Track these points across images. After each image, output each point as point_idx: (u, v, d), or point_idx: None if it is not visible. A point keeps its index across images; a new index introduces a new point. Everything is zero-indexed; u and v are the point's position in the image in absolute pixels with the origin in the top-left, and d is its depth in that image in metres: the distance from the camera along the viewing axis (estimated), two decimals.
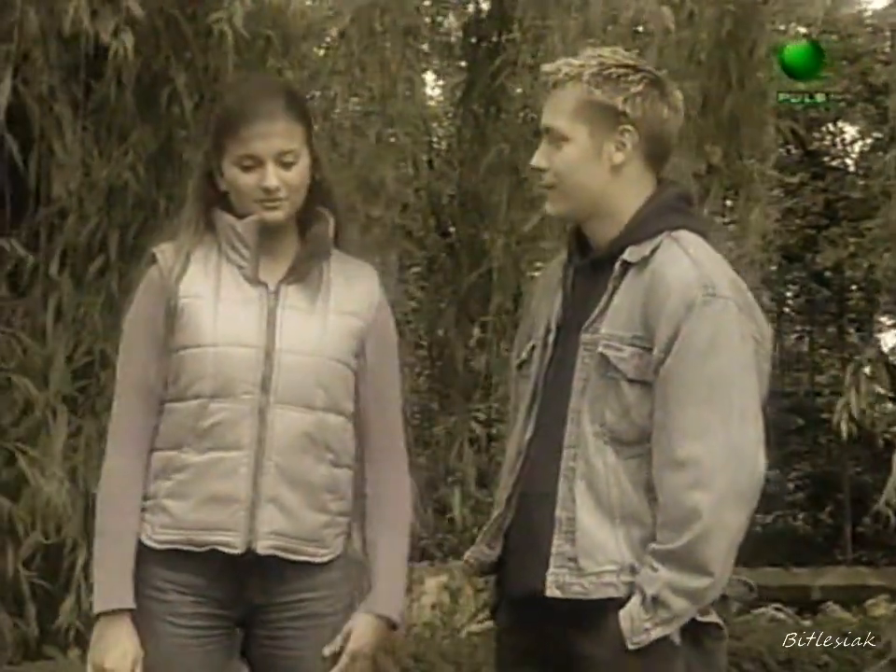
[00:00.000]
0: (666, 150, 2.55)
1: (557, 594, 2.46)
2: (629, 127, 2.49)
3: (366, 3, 4.87)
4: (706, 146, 5.07)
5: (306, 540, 2.66)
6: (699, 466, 2.36)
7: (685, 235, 2.48)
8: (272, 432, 2.63)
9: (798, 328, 11.36)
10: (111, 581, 2.64)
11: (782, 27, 9.55)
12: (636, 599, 2.39)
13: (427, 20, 9.16)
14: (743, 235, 5.15)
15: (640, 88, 2.49)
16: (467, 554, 2.68)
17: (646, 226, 2.49)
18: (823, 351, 11.12)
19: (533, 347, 2.61)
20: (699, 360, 2.39)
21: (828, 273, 10.86)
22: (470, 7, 7.62)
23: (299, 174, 2.70)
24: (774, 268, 10.04)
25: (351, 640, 2.67)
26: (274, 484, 2.63)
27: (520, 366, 2.65)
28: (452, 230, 9.29)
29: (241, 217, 2.71)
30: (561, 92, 2.53)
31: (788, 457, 10.45)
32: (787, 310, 11.27)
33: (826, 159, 11.23)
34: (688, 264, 2.43)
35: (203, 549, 2.63)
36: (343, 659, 2.66)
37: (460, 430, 6.92)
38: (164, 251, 2.74)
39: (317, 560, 2.67)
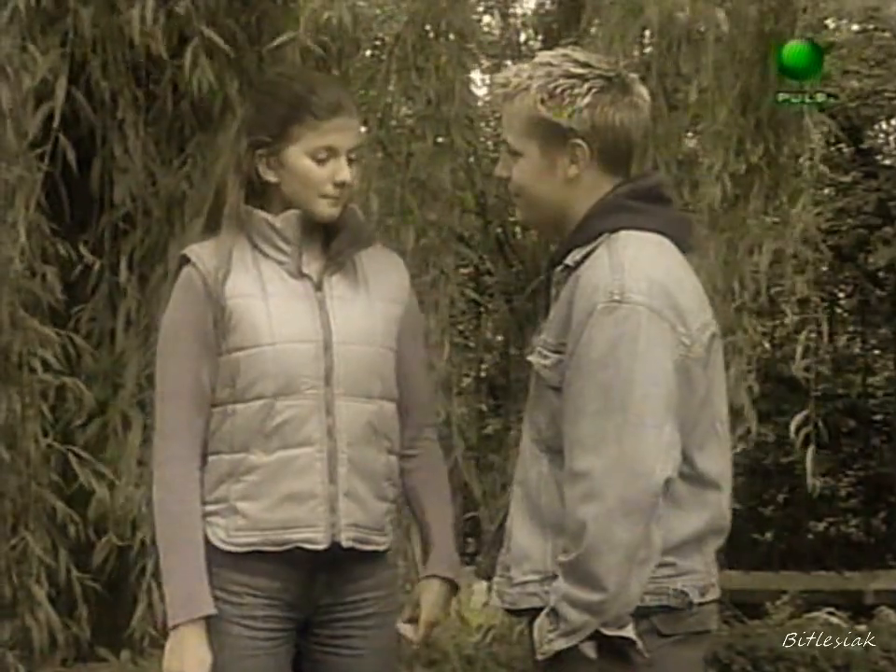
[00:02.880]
0: (627, 151, 2.50)
1: (498, 603, 2.48)
2: (578, 142, 2.45)
3: (421, 7, 4.85)
4: (746, 145, 5.01)
5: (375, 530, 2.69)
6: (590, 478, 2.31)
7: (624, 236, 2.43)
8: (340, 425, 2.64)
9: (851, 328, 11.27)
10: (187, 590, 2.62)
11: (829, 22, 9.47)
12: (545, 609, 2.37)
13: (477, 18, 9.20)
14: (786, 234, 5.09)
15: (588, 99, 2.44)
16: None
17: (587, 228, 2.46)
18: (876, 352, 11.02)
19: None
20: (594, 369, 2.34)
21: (881, 273, 10.77)
22: (531, 10, 7.65)
23: (356, 170, 2.72)
24: (825, 268, 9.95)
25: (424, 610, 2.72)
26: (348, 476, 2.64)
27: None
28: (499, 230, 9.29)
29: (275, 213, 2.69)
30: (511, 106, 2.50)
31: (841, 461, 10.36)
32: (839, 311, 11.18)
33: (878, 157, 11.13)
34: (604, 268, 2.39)
35: (283, 548, 2.62)
36: (422, 629, 2.72)
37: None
38: (197, 252, 2.70)
39: (381, 549, 2.71)
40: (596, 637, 2.34)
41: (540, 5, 8.69)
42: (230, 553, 2.63)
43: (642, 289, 2.36)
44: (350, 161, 2.67)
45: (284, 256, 2.68)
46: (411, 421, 2.78)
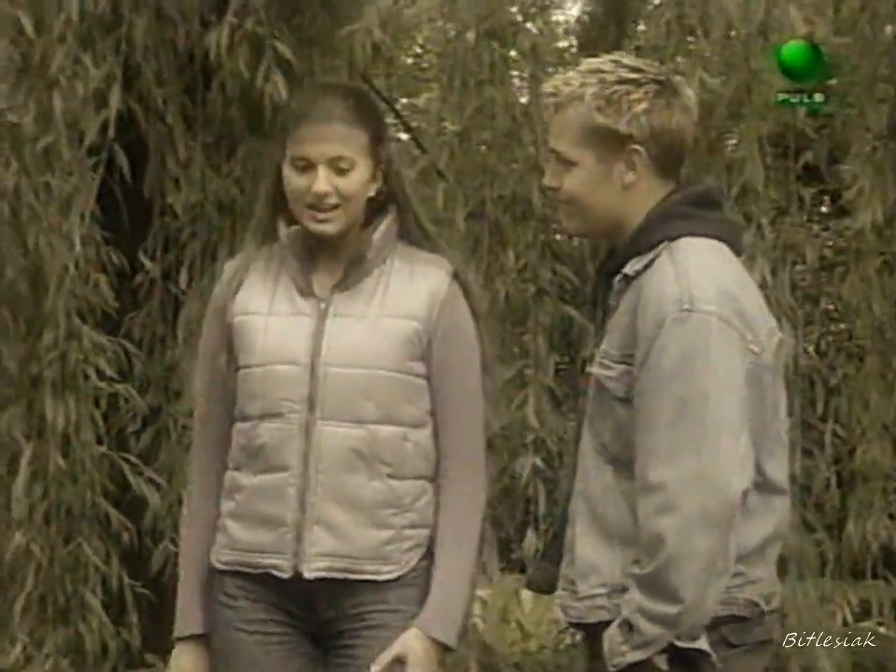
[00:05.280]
0: (680, 154, 2.48)
1: (562, 617, 2.44)
2: (637, 147, 2.43)
3: (483, 29, 4.88)
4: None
5: (364, 559, 2.58)
6: (666, 490, 2.29)
7: (684, 243, 2.41)
8: (317, 450, 2.56)
9: None
10: (182, 609, 2.69)
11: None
12: (616, 621, 2.34)
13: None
14: None
15: (644, 105, 2.42)
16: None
17: (646, 236, 2.43)
18: None
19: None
20: (668, 380, 2.32)
21: None
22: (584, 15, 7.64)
23: (354, 183, 2.60)
24: None
25: (408, 665, 2.57)
26: (322, 504, 2.56)
27: None
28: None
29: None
30: (563, 115, 2.46)
31: None
32: None
33: None
34: (669, 278, 2.36)
35: (257, 571, 2.60)
36: (386, 658, 2.57)
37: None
38: (228, 264, 2.72)
39: (382, 578, 2.58)
40: (668, 648, 2.32)
41: (584, 12, 8.68)
42: (219, 569, 2.64)
43: (711, 298, 2.34)
44: (341, 171, 2.57)
45: (294, 272, 2.63)
46: (445, 451, 2.64)
